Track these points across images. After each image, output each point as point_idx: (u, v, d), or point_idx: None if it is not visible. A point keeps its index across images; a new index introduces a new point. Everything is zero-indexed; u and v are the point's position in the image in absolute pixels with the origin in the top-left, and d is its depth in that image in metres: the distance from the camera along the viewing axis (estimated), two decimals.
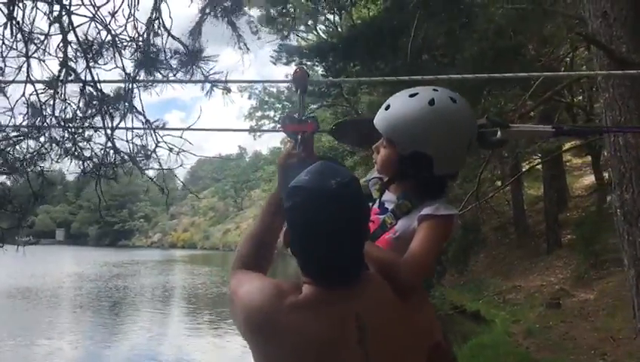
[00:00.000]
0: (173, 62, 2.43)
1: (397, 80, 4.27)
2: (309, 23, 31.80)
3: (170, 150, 2.32)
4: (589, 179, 23.03)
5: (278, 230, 1.67)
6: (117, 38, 2.19)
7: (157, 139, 2.30)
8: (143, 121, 2.30)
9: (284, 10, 26.37)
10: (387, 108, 1.78)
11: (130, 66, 2.40)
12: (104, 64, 2.28)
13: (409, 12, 10.13)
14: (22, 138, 2.32)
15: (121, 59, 2.32)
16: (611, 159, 4.57)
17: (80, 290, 25.62)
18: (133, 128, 2.34)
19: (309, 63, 28.57)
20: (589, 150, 19.36)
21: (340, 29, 25.77)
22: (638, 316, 4.48)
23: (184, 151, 2.25)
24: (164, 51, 2.41)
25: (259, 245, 1.65)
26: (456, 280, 17.94)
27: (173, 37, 2.33)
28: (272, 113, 37.61)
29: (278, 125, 2.02)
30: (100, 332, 15.70)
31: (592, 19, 4.95)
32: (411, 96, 1.75)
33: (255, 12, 28.50)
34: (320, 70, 28.88)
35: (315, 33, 31.40)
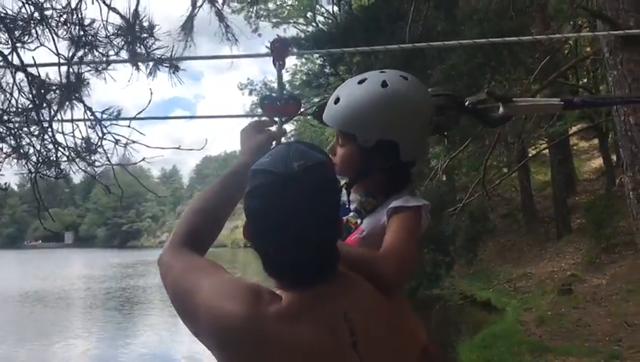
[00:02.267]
0: (117, 41, 2.21)
1: (399, 47, 4.07)
2: (308, 15, 31.64)
3: (117, 142, 2.10)
4: (597, 162, 22.77)
5: (233, 207, 1.46)
6: (44, 12, 1.98)
7: (102, 131, 2.08)
8: (84, 110, 2.09)
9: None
10: (337, 101, 1.60)
11: (64, 47, 2.17)
12: (30, 42, 2.06)
13: None
14: None
15: (53, 38, 2.11)
16: (622, 139, 4.35)
17: (91, 291, 25.73)
18: (73, 120, 2.13)
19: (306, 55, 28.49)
20: (597, 132, 19.10)
21: (338, 20, 25.53)
22: None
23: (134, 142, 2.04)
24: (105, 27, 2.19)
25: (212, 221, 1.46)
26: (466, 270, 17.75)
27: (110, 8, 2.11)
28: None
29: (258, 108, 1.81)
30: (113, 333, 15.77)
31: None
32: (360, 82, 1.58)
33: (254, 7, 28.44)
34: (318, 60, 28.77)
35: (314, 25, 31.20)
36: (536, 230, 19.11)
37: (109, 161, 2.16)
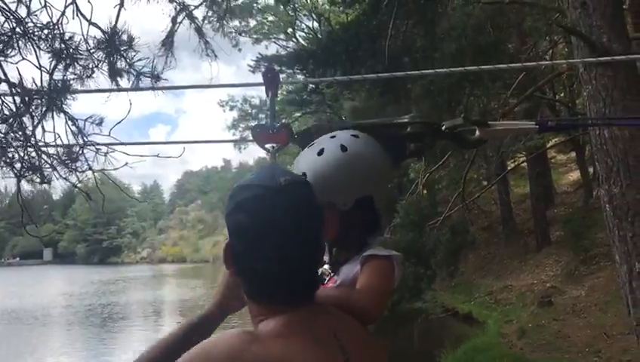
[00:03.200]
0: (98, 54, 2.24)
1: (377, 77, 4.12)
2: (289, 30, 31.78)
3: (97, 150, 2.12)
4: (575, 175, 23.08)
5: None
6: (27, 27, 2.00)
7: (83, 139, 2.10)
8: (66, 119, 2.11)
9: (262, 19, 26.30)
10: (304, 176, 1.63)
11: (46, 60, 2.20)
12: (13, 55, 2.08)
13: (385, 14, 10.03)
14: None
15: (36, 52, 2.13)
16: (597, 153, 4.43)
17: (72, 309, 25.31)
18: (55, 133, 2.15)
19: (289, 71, 28.55)
20: (574, 146, 19.39)
21: (319, 36, 25.70)
22: (633, 312, 4.34)
23: (114, 150, 2.05)
24: (86, 40, 2.21)
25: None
26: (447, 283, 17.82)
27: (90, 22, 2.13)
28: (255, 123, 37.47)
29: (249, 136, 1.81)
30: (94, 350, 15.54)
31: (570, 9, 4.83)
32: (320, 154, 1.64)
33: (235, 23, 28.47)
34: (300, 77, 28.86)
35: (295, 41, 31.34)
36: (516, 242, 19.28)
37: (90, 167, 2.17)
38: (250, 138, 1.79)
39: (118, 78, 2.52)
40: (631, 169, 4.19)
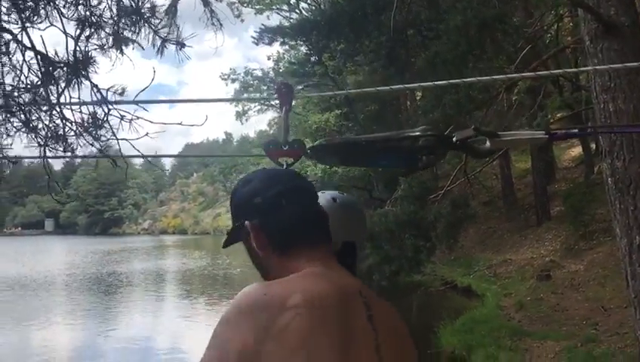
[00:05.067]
0: (122, 22, 2.25)
1: (390, 90, 4.09)
2: (292, 1, 31.45)
3: (122, 118, 2.15)
4: (576, 150, 23.10)
5: None
6: None
7: (108, 106, 2.13)
8: (91, 87, 2.14)
9: None
10: None
11: (71, 26, 2.22)
12: (40, 22, 2.10)
13: None
14: None
15: (61, 18, 2.14)
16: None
17: (75, 277, 25.51)
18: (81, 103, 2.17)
19: (291, 43, 28.32)
20: (578, 121, 19.33)
21: (322, 7, 25.42)
22: (632, 285, 4.40)
23: (138, 118, 2.08)
24: (111, 9, 2.23)
25: None
26: (447, 256, 17.95)
27: None
28: (257, 95, 37.17)
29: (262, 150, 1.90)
30: (97, 317, 15.69)
31: None
32: None
33: None
34: (303, 49, 28.65)
35: (298, 12, 31.03)
36: (517, 217, 19.38)
37: (114, 135, 2.21)
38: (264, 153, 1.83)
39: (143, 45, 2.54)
40: (634, 143, 4.21)
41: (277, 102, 1.86)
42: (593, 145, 20.91)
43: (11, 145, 2.28)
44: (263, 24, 26.56)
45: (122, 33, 2.24)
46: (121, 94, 2.18)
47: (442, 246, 15.70)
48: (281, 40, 26.04)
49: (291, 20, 28.62)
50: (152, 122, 2.02)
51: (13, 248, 48.86)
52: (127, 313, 16.39)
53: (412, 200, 12.64)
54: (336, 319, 1.14)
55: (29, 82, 2.15)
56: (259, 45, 27.16)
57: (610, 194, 4.43)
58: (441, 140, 1.82)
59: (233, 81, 37.15)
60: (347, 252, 1.86)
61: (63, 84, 2.15)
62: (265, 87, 35.59)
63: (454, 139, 1.83)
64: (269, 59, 37.29)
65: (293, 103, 1.92)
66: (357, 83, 23.60)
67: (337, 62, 24.93)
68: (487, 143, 1.80)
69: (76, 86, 2.13)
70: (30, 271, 27.68)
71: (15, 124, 2.17)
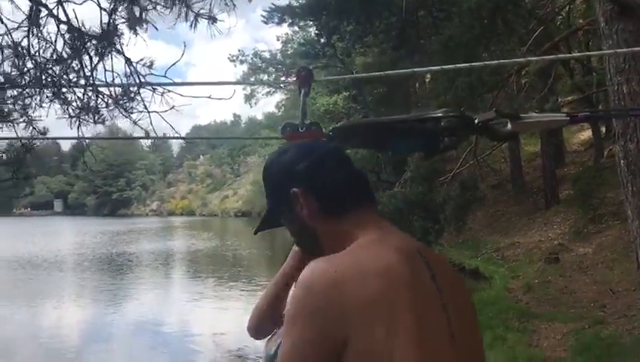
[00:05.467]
0: None
1: (404, 73, 4.13)
2: None
3: (154, 89, 2.17)
4: (586, 134, 22.95)
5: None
6: None
7: (139, 78, 2.16)
8: (125, 60, 2.17)
9: None
10: None
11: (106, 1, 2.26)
12: None
13: None
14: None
15: None
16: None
17: (84, 257, 25.77)
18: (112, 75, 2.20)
19: (301, 23, 28.16)
20: (587, 104, 19.22)
21: None
22: None
23: (169, 91, 2.11)
24: None
25: None
26: (455, 239, 17.97)
27: None
28: (265, 77, 37.06)
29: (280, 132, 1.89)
30: (107, 295, 15.89)
31: None
32: None
33: None
34: (312, 30, 28.49)
35: None
36: (525, 200, 19.34)
37: (146, 108, 2.24)
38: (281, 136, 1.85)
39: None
40: None
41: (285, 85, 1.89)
42: (603, 129, 20.83)
43: (41, 116, 2.32)
44: (272, 3, 26.37)
45: (156, 7, 2.28)
46: (150, 67, 2.21)
47: (450, 228, 15.77)
48: (290, 20, 25.87)
49: (301, 0, 28.43)
50: (182, 95, 2.06)
51: (23, 228, 49.32)
52: (137, 293, 16.56)
53: (420, 182, 12.68)
54: (408, 284, 1.13)
55: (62, 54, 2.19)
56: (268, 24, 27.03)
57: (623, 177, 4.45)
58: (464, 122, 1.84)
59: (242, 62, 37.01)
60: None
61: (95, 58, 2.19)
62: (273, 70, 35.44)
63: (476, 121, 1.85)
64: (278, 40, 37.13)
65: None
66: (366, 65, 23.49)
67: (346, 44, 24.80)
68: (509, 126, 1.82)
69: (109, 58, 2.17)
70: (41, 250, 27.97)
71: (47, 95, 2.21)
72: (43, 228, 49.16)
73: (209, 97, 1.95)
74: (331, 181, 1.29)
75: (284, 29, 33.00)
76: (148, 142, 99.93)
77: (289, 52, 34.03)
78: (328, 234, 1.27)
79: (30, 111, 2.25)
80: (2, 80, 2.12)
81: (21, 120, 2.28)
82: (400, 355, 1.06)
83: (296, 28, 31.17)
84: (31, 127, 2.33)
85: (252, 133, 69.50)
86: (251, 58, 36.63)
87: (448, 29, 9.27)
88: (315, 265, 1.14)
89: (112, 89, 2.23)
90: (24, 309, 13.92)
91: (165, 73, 2.04)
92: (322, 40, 26.32)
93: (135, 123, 2.30)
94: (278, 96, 46.73)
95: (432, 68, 2.81)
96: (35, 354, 10.31)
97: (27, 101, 2.17)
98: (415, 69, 2.90)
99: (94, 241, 34.01)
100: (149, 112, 2.23)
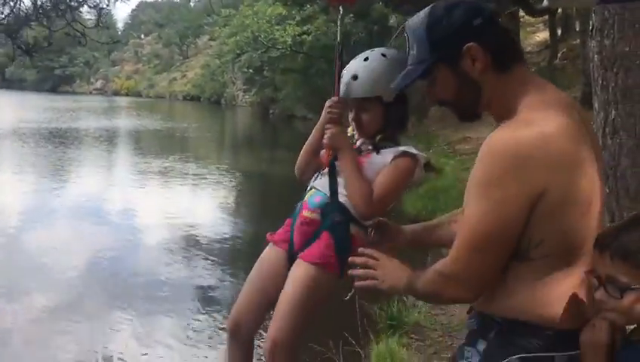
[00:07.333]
0: None
1: None
2: None
3: None
4: (542, 35, 23.29)
5: None
6: None
7: None
8: None
9: None
10: (355, 78, 2.24)
11: None
12: None
13: None
14: None
15: None
16: (597, 6, 4.68)
17: (34, 130, 24.75)
18: None
19: None
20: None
21: None
22: (605, 158, 4.84)
23: None
24: None
25: None
26: (407, 133, 18.36)
27: None
28: None
29: None
30: (50, 168, 15.54)
31: None
32: (366, 60, 2.25)
33: None
34: None
35: None
36: None
37: None
38: None
39: None
40: (626, 23, 4.46)
41: None
42: (560, 31, 21.21)
43: None
44: None
45: None
46: None
47: (413, 118, 16.10)
48: None
49: None
50: None
51: None
52: (85, 169, 16.00)
53: None
54: (588, 142, 1.28)
55: None
56: None
57: (594, 71, 4.75)
58: None
59: None
60: (399, 101, 2.30)
61: None
62: None
63: None
64: None
65: None
66: None
67: None
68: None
69: None
70: None
71: None
72: None
73: None
74: (503, 37, 1.35)
75: None
76: (91, 17, 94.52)
77: None
78: (496, 90, 1.35)
79: None
80: None
81: None
82: (595, 201, 1.27)
83: None
84: None
85: (210, 11, 65.89)
86: None
87: None
88: (500, 138, 1.27)
89: None
90: None
91: None
92: None
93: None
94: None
95: None
96: None
97: None
98: None
99: (40, 116, 32.68)
100: None
